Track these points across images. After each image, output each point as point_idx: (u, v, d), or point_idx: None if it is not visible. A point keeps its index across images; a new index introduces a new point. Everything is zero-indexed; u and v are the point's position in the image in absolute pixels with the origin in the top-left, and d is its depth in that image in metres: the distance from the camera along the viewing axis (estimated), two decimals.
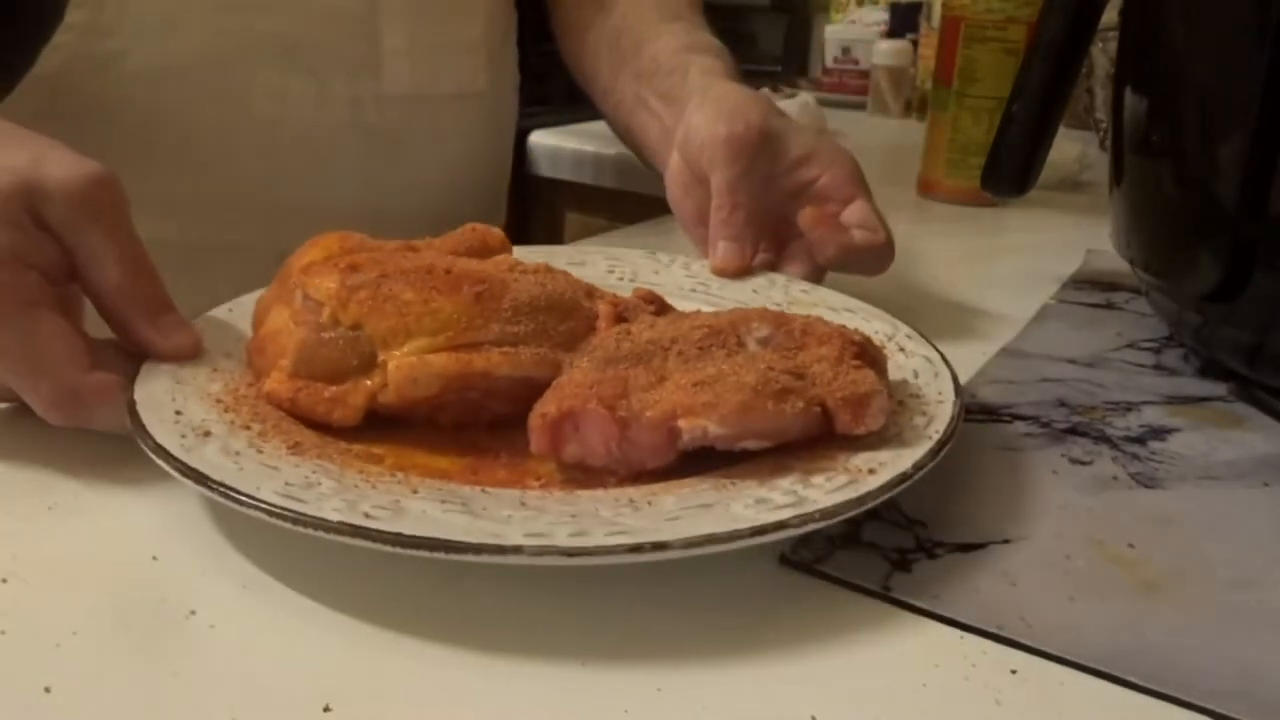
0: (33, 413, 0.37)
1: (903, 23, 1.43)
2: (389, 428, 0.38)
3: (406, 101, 0.69)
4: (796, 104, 1.19)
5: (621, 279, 0.53)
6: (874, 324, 0.47)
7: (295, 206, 0.64)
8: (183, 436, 0.34)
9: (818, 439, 0.35)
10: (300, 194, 0.66)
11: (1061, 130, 0.61)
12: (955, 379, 0.40)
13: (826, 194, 0.56)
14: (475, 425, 0.39)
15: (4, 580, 0.31)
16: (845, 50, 1.51)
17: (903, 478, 0.33)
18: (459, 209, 0.68)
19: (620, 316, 0.41)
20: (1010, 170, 0.61)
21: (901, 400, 0.39)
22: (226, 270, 0.53)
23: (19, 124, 0.42)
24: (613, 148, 1.14)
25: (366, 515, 0.30)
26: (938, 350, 0.43)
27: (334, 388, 0.37)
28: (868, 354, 0.38)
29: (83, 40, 0.59)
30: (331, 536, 0.29)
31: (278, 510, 0.30)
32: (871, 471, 0.34)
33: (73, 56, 0.59)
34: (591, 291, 0.43)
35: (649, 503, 0.32)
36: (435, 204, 0.72)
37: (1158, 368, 0.52)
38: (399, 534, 0.29)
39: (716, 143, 0.55)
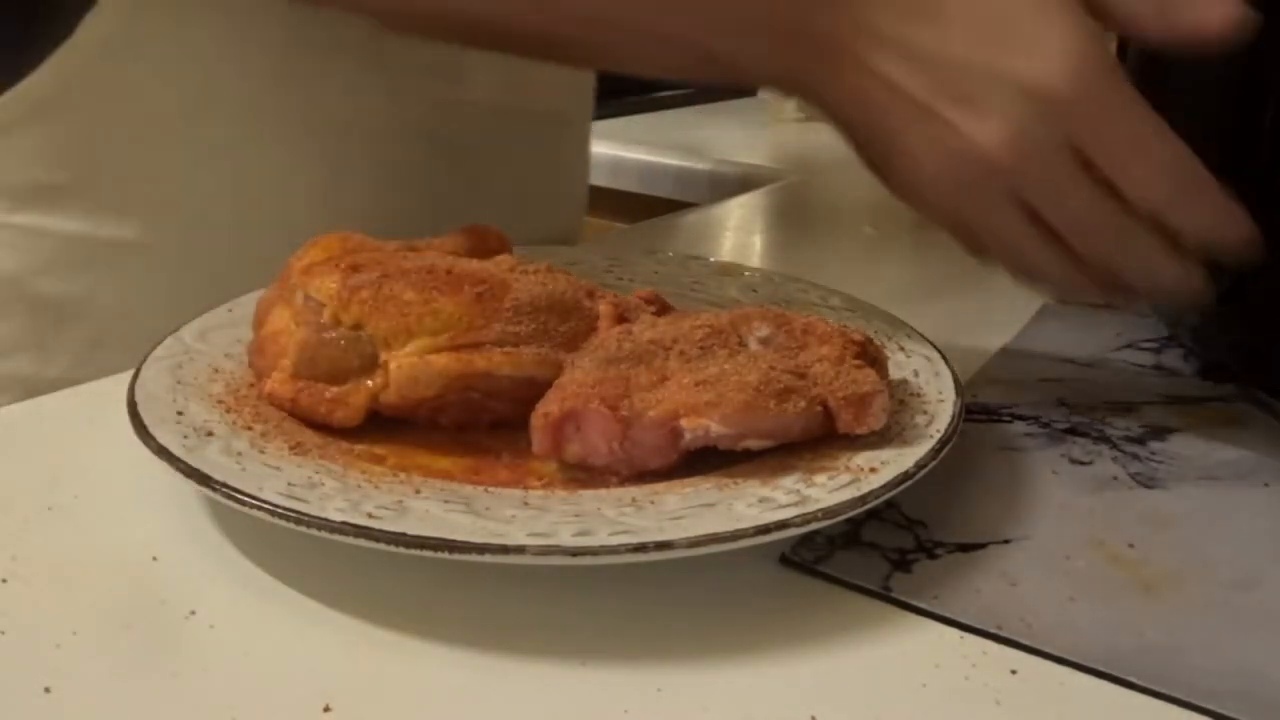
0: (32, 413, 0.37)
1: None
2: (390, 428, 0.38)
3: (491, 114, 0.61)
4: None
5: (621, 279, 0.53)
6: (874, 323, 0.47)
7: (355, 209, 0.57)
8: (184, 437, 0.34)
9: (819, 438, 0.35)
10: (361, 198, 0.58)
11: None
12: (956, 378, 0.41)
13: None
14: (477, 426, 0.39)
15: (4, 580, 0.31)
16: None
17: (905, 476, 0.33)
18: (528, 233, 0.59)
19: (621, 316, 0.41)
20: None
21: (902, 399, 0.39)
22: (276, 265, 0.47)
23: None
24: (613, 148, 1.14)
25: (370, 515, 0.30)
26: (938, 350, 0.43)
27: (335, 388, 0.37)
28: (869, 353, 0.38)
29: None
30: (335, 537, 0.29)
31: (281, 510, 0.30)
32: (873, 470, 0.34)
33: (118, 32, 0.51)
34: (593, 291, 0.43)
35: (652, 502, 0.32)
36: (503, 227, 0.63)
37: (1158, 368, 0.52)
38: (403, 534, 0.29)
39: None
